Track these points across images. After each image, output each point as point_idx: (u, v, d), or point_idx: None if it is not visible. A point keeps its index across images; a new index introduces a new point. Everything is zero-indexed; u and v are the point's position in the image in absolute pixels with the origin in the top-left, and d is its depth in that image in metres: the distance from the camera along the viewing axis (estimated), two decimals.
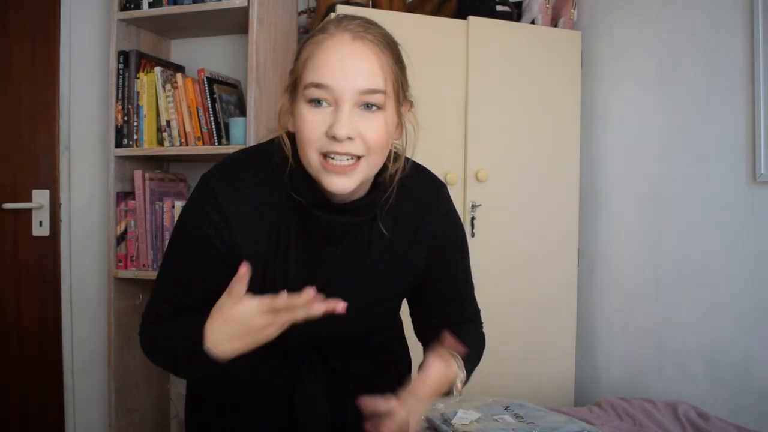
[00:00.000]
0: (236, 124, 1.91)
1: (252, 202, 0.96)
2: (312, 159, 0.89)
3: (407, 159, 1.02)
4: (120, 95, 1.97)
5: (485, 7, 2.07)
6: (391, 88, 0.90)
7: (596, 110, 2.18)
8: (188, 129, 1.93)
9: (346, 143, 0.87)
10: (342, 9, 1.87)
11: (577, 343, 2.15)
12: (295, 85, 0.92)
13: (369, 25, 0.92)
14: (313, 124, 0.87)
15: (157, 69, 1.95)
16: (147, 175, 1.99)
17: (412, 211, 1.05)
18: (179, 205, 1.97)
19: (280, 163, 0.96)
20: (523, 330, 2.07)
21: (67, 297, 2.27)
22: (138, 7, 1.95)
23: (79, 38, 2.25)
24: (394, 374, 1.11)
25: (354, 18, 0.92)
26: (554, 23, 2.18)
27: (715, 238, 1.79)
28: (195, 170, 2.26)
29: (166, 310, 0.99)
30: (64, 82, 2.24)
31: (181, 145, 1.94)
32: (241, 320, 0.82)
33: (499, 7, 2.17)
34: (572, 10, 2.17)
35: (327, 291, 0.95)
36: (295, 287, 0.94)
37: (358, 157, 0.89)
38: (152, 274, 1.98)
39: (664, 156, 1.95)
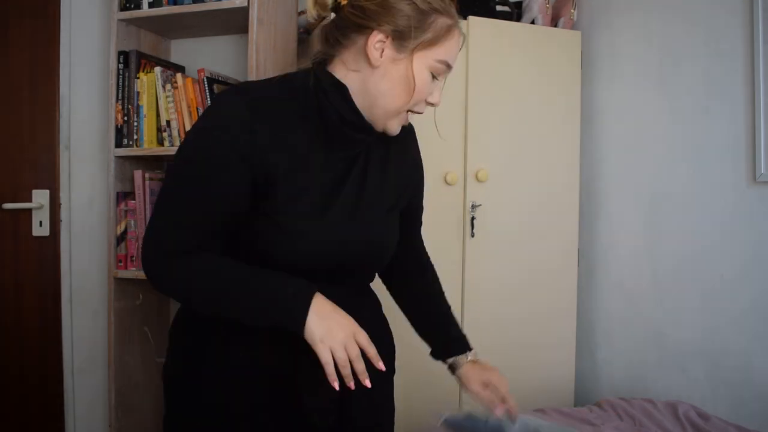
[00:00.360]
0: None
1: (276, 108, 0.98)
2: (402, 111, 1.02)
3: None
4: (120, 95, 1.97)
5: (485, 7, 2.07)
6: None
7: (596, 110, 2.18)
8: (188, 129, 1.93)
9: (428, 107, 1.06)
10: None
11: (577, 343, 2.16)
12: (408, 36, 0.98)
13: None
14: (426, 90, 1.02)
15: (157, 69, 1.95)
16: (147, 175, 1.99)
17: (399, 141, 1.14)
18: None
19: (303, 82, 1.01)
20: (523, 330, 2.07)
21: (67, 297, 2.27)
22: (138, 7, 1.95)
23: (79, 38, 2.25)
24: (384, 319, 1.23)
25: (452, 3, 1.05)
26: (554, 23, 2.18)
27: (715, 238, 1.79)
28: None
29: (189, 235, 0.96)
30: (64, 82, 2.24)
31: None
32: (341, 322, 0.93)
33: (499, 7, 2.17)
34: (572, 10, 2.17)
35: (351, 205, 1.02)
36: (322, 200, 0.99)
37: None
38: None
39: (664, 156, 1.95)
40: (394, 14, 0.97)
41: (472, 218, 2.00)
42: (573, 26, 2.19)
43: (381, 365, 0.95)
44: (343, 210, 1.01)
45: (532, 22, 2.13)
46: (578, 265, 2.15)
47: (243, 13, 1.88)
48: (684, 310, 1.87)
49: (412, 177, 1.21)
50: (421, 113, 1.06)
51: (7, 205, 2.20)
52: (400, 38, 0.98)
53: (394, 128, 1.05)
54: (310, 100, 1.01)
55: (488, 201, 2.02)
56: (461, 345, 1.24)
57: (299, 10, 2.22)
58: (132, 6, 1.95)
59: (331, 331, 0.92)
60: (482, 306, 2.00)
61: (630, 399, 1.76)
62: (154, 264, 0.98)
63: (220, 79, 2.01)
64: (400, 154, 1.16)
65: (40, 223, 2.23)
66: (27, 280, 2.24)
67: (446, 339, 1.25)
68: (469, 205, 2.00)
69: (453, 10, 1.02)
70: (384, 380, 1.17)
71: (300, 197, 0.98)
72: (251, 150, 0.94)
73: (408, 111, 1.04)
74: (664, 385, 1.91)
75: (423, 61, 1.00)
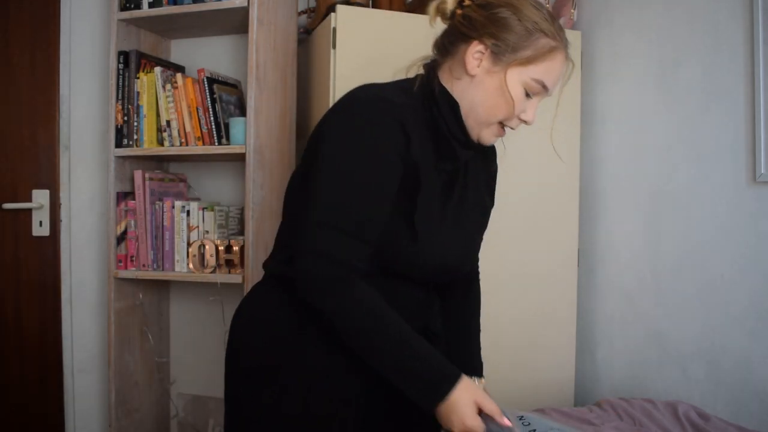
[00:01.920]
0: (236, 124, 1.91)
1: (413, 115, 1.01)
2: (492, 122, 1.05)
3: None
4: (120, 95, 1.97)
5: None
6: None
7: (596, 110, 2.18)
8: (188, 129, 1.93)
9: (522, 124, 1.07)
10: (342, 9, 1.87)
11: (577, 343, 2.15)
12: (507, 50, 1.00)
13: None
14: (519, 106, 1.03)
15: (157, 69, 1.95)
16: (147, 175, 1.99)
17: (486, 157, 1.20)
18: (179, 204, 1.97)
19: (422, 95, 1.05)
20: (523, 330, 2.07)
21: (67, 297, 2.27)
22: (138, 7, 1.95)
23: (79, 38, 2.25)
24: None
25: (562, 28, 1.06)
26: None
27: (715, 238, 1.79)
28: (195, 170, 2.26)
29: (362, 244, 0.96)
30: (64, 82, 2.24)
31: (181, 145, 1.94)
32: (465, 414, 0.93)
33: None
34: (572, 10, 2.17)
35: (453, 217, 1.06)
36: (438, 212, 1.04)
37: None
38: (152, 274, 1.98)
39: (664, 156, 1.95)
40: (498, 28, 1.01)
41: None
42: (573, 26, 2.19)
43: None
44: (454, 223, 1.07)
45: None
46: (578, 265, 2.15)
47: (243, 13, 1.88)
48: (684, 310, 1.87)
49: (492, 195, 1.25)
50: (513, 128, 1.08)
51: (7, 205, 2.20)
52: (498, 51, 1.01)
53: (486, 138, 1.07)
54: (424, 111, 1.04)
55: None
56: (475, 370, 1.25)
57: (299, 10, 2.22)
58: (132, 6, 1.95)
59: (456, 416, 0.94)
60: (482, 306, 1.99)
61: (630, 399, 1.76)
62: (334, 281, 0.94)
63: (220, 79, 2.01)
64: (485, 171, 1.20)
65: (40, 223, 2.23)
66: (27, 280, 2.24)
67: (464, 359, 1.24)
68: None
69: (561, 35, 1.04)
70: None
71: (428, 206, 1.01)
72: (406, 151, 0.97)
73: (502, 125, 1.06)
74: (664, 385, 1.91)
75: (517, 77, 1.01)
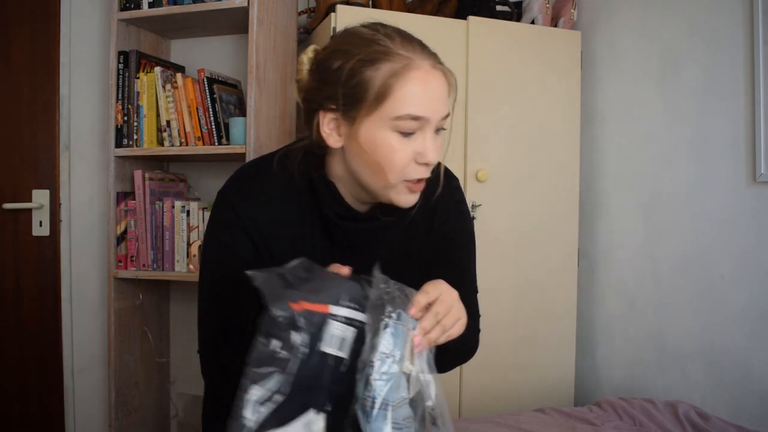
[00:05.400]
0: (236, 124, 1.91)
1: (269, 211, 0.96)
2: (390, 184, 0.89)
3: None
4: (120, 95, 1.97)
5: (485, 7, 2.07)
6: None
7: (596, 110, 2.18)
8: (188, 129, 1.93)
9: (429, 167, 0.89)
10: (342, 9, 1.87)
11: (577, 344, 2.16)
12: (351, 103, 0.87)
13: (427, 45, 0.93)
14: (403, 153, 0.87)
15: (157, 69, 1.95)
16: (147, 175, 1.99)
17: (427, 207, 1.04)
18: (179, 204, 1.97)
19: (297, 176, 0.97)
20: (523, 330, 2.07)
21: (67, 297, 2.27)
22: (138, 7, 1.95)
23: (79, 38, 2.25)
24: None
25: (413, 38, 0.91)
26: (554, 23, 2.18)
27: (715, 238, 1.79)
28: (195, 170, 2.26)
29: (217, 335, 0.97)
30: (64, 82, 2.24)
31: (181, 145, 1.94)
32: None
33: (499, 7, 2.17)
34: (572, 10, 2.17)
35: None
36: None
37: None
38: (152, 274, 1.98)
39: (664, 156, 1.95)
40: (331, 85, 0.87)
41: (472, 218, 1.99)
42: (573, 26, 2.19)
43: None
44: None
45: (532, 22, 2.13)
46: (578, 265, 2.15)
47: (243, 13, 1.88)
48: (684, 310, 1.87)
49: (428, 247, 1.08)
50: (425, 177, 0.90)
51: (7, 205, 2.20)
52: (345, 110, 0.87)
53: (398, 200, 0.91)
54: (309, 195, 0.97)
55: (488, 201, 2.02)
56: None
57: (299, 10, 2.22)
58: (132, 6, 1.95)
59: None
60: (482, 306, 1.99)
61: (630, 399, 1.76)
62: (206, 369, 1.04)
63: (220, 79, 2.01)
64: (418, 231, 1.05)
65: (40, 223, 2.23)
66: (27, 280, 2.24)
67: None
68: (469, 205, 2.00)
69: (410, 47, 0.88)
70: None
71: None
72: (255, 256, 0.97)
73: (407, 180, 0.89)
74: (664, 385, 1.91)
75: (377, 126, 0.86)
